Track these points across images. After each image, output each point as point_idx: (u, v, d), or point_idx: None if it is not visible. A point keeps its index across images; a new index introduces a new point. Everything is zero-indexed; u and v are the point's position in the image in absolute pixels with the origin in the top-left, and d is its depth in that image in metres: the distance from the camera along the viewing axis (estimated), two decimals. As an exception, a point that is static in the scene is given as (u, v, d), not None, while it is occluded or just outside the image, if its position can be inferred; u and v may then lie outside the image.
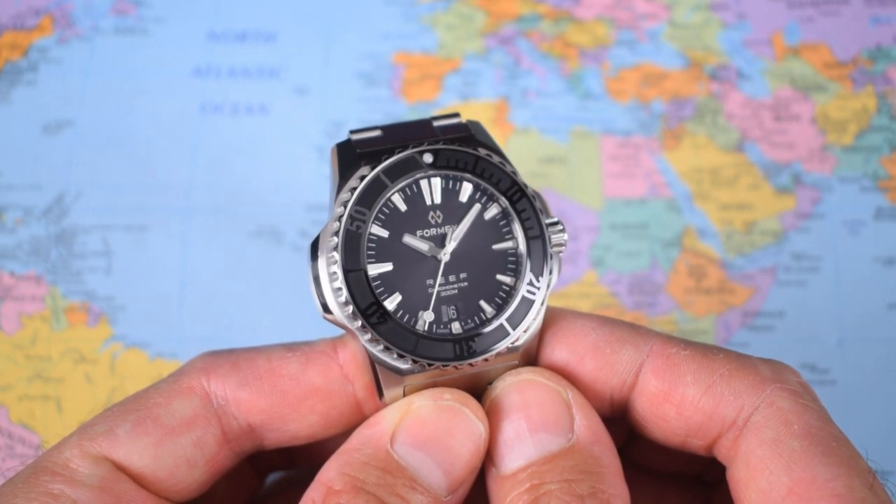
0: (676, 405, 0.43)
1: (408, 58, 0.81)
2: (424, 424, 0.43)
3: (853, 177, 0.76)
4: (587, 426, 0.42)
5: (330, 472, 0.42)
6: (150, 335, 0.73)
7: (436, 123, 0.48)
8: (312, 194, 0.77)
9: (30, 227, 0.75)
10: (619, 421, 0.47)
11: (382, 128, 0.48)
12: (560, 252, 0.47)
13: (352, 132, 0.48)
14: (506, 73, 0.80)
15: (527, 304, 0.45)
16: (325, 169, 0.78)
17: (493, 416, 0.44)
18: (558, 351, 0.45)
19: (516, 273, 0.46)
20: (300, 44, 0.82)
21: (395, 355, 0.44)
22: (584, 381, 0.45)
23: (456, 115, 0.48)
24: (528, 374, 0.44)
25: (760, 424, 0.41)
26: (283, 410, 0.46)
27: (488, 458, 0.43)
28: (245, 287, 0.74)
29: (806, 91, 0.79)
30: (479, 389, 0.46)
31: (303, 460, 0.55)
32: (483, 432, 0.43)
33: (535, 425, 0.42)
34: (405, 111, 0.79)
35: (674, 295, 0.74)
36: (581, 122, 0.79)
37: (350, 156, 0.47)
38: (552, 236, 0.46)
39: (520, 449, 0.42)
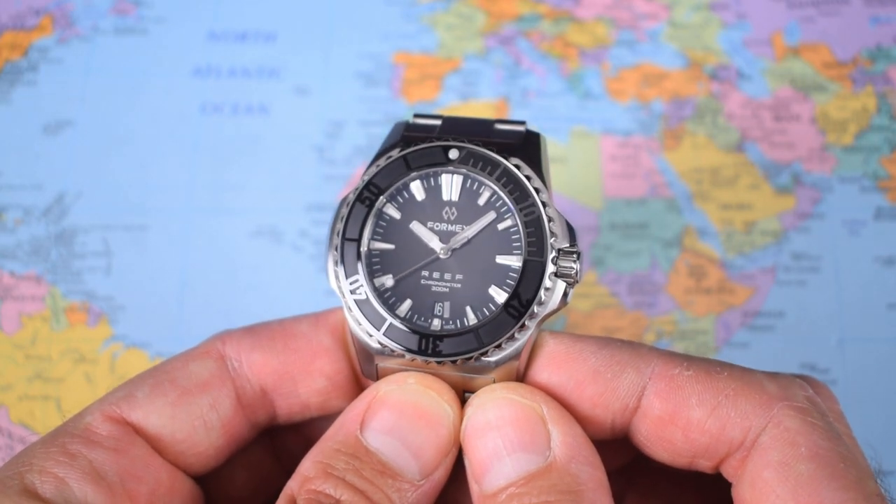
0: (682, 428, 0.43)
1: (408, 58, 0.81)
2: (391, 409, 0.43)
3: (853, 177, 0.76)
4: (564, 442, 0.42)
5: (306, 462, 0.43)
6: (150, 335, 0.73)
7: (497, 126, 0.48)
8: (312, 194, 0.77)
9: (30, 227, 0.75)
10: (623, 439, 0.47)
11: (444, 118, 0.49)
12: (569, 282, 0.45)
13: (415, 115, 0.49)
14: (506, 73, 0.80)
15: (507, 323, 0.44)
16: (325, 169, 0.78)
17: (470, 435, 0.44)
18: (556, 376, 0.45)
19: (510, 290, 0.45)
20: (300, 44, 0.82)
21: (365, 332, 0.45)
22: (585, 407, 0.44)
23: (521, 122, 0.49)
24: (501, 392, 0.44)
25: (767, 446, 0.41)
26: (294, 370, 0.47)
27: (470, 475, 0.43)
28: (245, 287, 0.74)
29: (806, 91, 0.79)
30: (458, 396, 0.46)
31: None
32: (452, 415, 0.44)
33: (512, 445, 0.42)
34: (405, 111, 0.79)
35: (674, 295, 0.74)
36: (581, 122, 0.79)
37: (398, 135, 0.49)
38: (559, 263, 0.45)
39: (498, 468, 0.42)
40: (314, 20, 0.83)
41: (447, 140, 0.47)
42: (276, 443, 0.54)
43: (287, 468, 0.54)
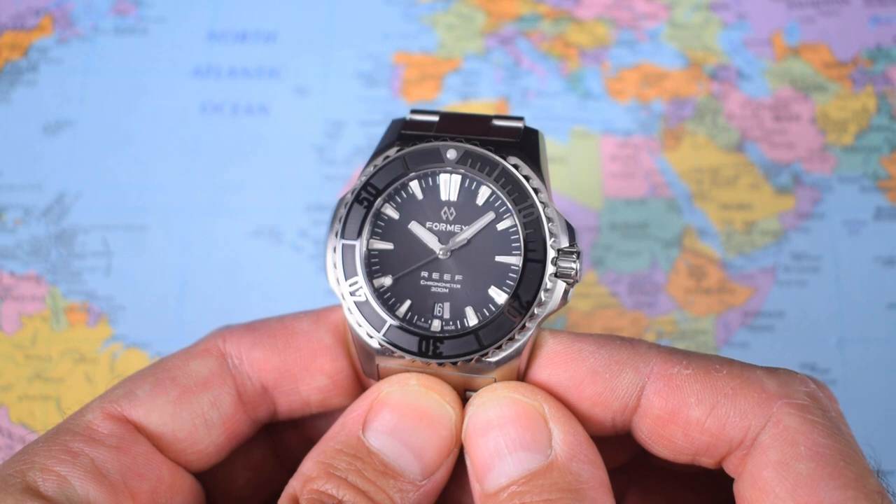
0: (682, 427, 0.43)
1: (408, 58, 0.81)
2: (393, 410, 0.44)
3: (853, 177, 0.76)
4: (565, 440, 0.42)
5: (308, 462, 0.43)
6: (150, 335, 0.73)
7: (495, 122, 0.48)
8: (312, 194, 0.77)
9: (30, 227, 0.75)
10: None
11: (442, 114, 0.48)
12: (569, 282, 0.45)
13: (412, 111, 0.49)
14: (506, 73, 0.80)
15: (508, 324, 0.44)
16: (325, 169, 0.78)
17: (471, 433, 0.44)
18: (556, 375, 0.45)
19: (509, 291, 0.45)
20: (300, 44, 0.82)
21: (365, 334, 0.45)
22: (585, 405, 0.44)
23: (519, 118, 0.48)
24: (503, 391, 0.44)
25: (766, 445, 0.41)
26: (295, 368, 0.47)
27: (472, 474, 0.44)
28: (245, 287, 0.74)
29: (806, 91, 0.79)
30: (459, 395, 0.46)
31: None
32: (453, 415, 0.44)
33: (514, 444, 0.42)
34: (405, 111, 0.79)
35: (674, 295, 0.74)
36: (581, 122, 0.79)
37: (396, 133, 0.48)
38: (559, 263, 0.45)
39: (500, 467, 0.42)
40: (314, 20, 0.83)
41: (445, 139, 0.47)
42: (278, 442, 0.54)
43: (288, 467, 0.54)
